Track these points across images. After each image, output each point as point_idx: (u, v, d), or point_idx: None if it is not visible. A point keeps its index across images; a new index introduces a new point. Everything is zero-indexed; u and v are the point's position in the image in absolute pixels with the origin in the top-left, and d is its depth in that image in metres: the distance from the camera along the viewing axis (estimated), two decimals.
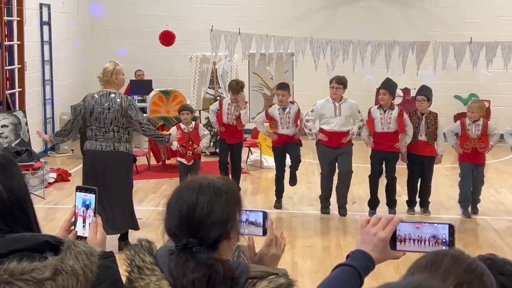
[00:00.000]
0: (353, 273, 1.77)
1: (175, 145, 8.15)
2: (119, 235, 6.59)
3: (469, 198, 8.02)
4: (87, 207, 2.01)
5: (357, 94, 11.30)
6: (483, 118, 7.93)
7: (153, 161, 10.69)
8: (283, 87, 8.32)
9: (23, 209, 1.75)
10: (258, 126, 8.51)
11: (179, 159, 8.37)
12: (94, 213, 2.00)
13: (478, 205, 8.20)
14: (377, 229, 1.81)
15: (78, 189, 2.04)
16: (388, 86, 7.84)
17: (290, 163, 8.47)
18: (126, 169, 6.41)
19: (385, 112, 7.81)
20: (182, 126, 8.26)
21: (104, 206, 6.11)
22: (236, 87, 8.52)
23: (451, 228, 1.75)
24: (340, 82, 7.83)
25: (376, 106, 7.95)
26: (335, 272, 1.79)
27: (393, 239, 1.80)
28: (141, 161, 10.65)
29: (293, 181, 8.59)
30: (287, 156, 8.49)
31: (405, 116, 7.87)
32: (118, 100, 6.29)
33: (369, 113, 7.95)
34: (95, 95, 6.39)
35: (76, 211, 2.03)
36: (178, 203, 1.89)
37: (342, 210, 8.05)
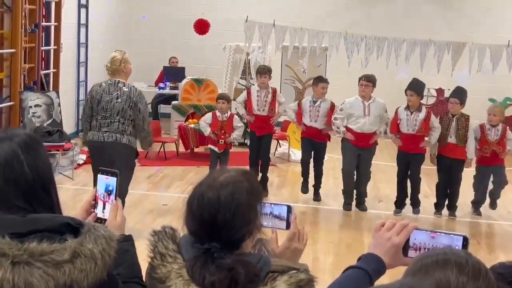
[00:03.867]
0: (364, 276, 1.74)
1: (207, 131, 8.17)
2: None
3: (484, 199, 8.01)
4: (109, 193, 2.02)
5: (389, 92, 11.14)
6: (502, 123, 7.80)
7: (181, 148, 10.72)
8: (326, 80, 8.29)
9: (46, 189, 1.75)
10: (289, 112, 8.43)
11: (210, 146, 8.38)
12: (115, 196, 2.01)
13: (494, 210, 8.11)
14: (391, 234, 1.78)
15: (100, 171, 2.05)
16: (415, 87, 7.70)
17: (314, 164, 8.41)
18: (125, 165, 6.09)
19: (412, 113, 7.70)
20: (218, 113, 8.27)
21: None
22: (263, 69, 8.46)
23: (465, 240, 1.70)
24: (369, 80, 7.74)
25: (404, 106, 7.83)
26: (346, 274, 1.77)
27: (406, 246, 1.76)
28: (170, 147, 10.70)
29: (317, 194, 8.52)
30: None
31: (433, 118, 7.76)
32: (126, 90, 6.15)
33: (396, 113, 7.85)
34: (103, 83, 6.26)
35: (97, 194, 2.03)
36: (199, 206, 1.86)
37: (361, 206, 8.06)
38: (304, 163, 8.45)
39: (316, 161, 8.41)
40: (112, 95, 6.13)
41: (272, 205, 2.12)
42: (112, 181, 2.02)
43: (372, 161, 8.14)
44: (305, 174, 8.49)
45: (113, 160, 5.92)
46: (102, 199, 2.02)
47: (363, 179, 8.03)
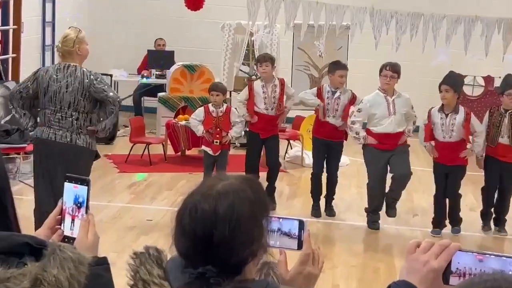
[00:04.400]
0: None
1: (200, 131, 8.19)
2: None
3: None
4: (78, 205, 2.02)
5: (424, 81, 11.16)
6: None
7: (170, 151, 10.76)
8: (344, 66, 8.29)
9: (0, 202, 1.74)
10: (306, 96, 8.37)
11: (204, 148, 8.40)
12: (86, 209, 2.01)
13: None
14: (428, 257, 1.76)
15: (68, 179, 2.05)
16: (452, 81, 7.64)
17: (327, 169, 8.40)
18: (77, 171, 5.84)
19: (447, 116, 7.65)
20: (211, 108, 8.30)
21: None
22: (263, 57, 8.46)
23: None
24: (395, 70, 7.73)
25: (438, 107, 7.78)
26: None
27: (447, 272, 1.74)
28: (156, 149, 10.72)
29: (329, 205, 8.50)
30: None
31: (474, 120, 7.74)
32: (79, 75, 6.04)
33: (429, 115, 7.81)
34: (50, 68, 6.16)
35: (64, 207, 2.04)
36: (191, 220, 1.86)
37: (391, 211, 8.00)
38: (317, 177, 8.40)
39: (328, 165, 8.40)
40: (60, 83, 6.01)
41: (281, 220, 2.12)
42: (82, 190, 2.02)
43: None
44: (317, 191, 8.43)
45: (67, 167, 5.78)
46: (71, 213, 2.02)
47: (399, 183, 7.91)
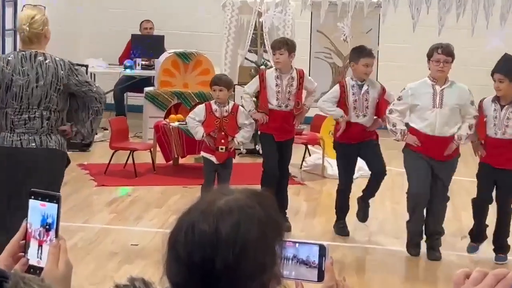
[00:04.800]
0: None
1: (199, 134, 8.18)
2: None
3: None
4: (47, 228, 2.02)
5: (475, 70, 11.13)
6: None
7: (160, 159, 10.77)
8: (369, 53, 8.27)
9: None
10: (326, 107, 8.42)
11: (204, 154, 8.40)
12: (56, 232, 2.01)
13: None
14: None
15: (33, 194, 2.05)
16: (507, 68, 7.61)
17: (371, 170, 8.40)
18: (54, 180, 6.01)
19: (502, 108, 7.63)
20: (214, 106, 8.31)
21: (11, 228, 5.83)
22: (278, 42, 8.46)
23: None
24: (449, 53, 7.69)
25: (491, 97, 7.78)
26: None
27: None
28: (143, 157, 10.74)
29: (364, 212, 8.52)
30: (359, 162, 8.49)
31: None
32: (52, 65, 6.04)
33: (480, 106, 7.80)
34: (11, 58, 6.10)
35: (30, 229, 2.03)
36: (187, 244, 1.87)
37: (433, 253, 7.94)
38: (344, 194, 8.42)
39: (374, 168, 8.45)
40: (28, 77, 6.01)
41: (298, 244, 2.13)
42: (51, 209, 2.02)
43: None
44: (343, 207, 8.46)
45: (36, 176, 5.82)
46: (37, 237, 2.02)
47: (438, 208, 7.96)
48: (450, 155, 7.82)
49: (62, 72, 6.03)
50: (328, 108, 8.40)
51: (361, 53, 8.29)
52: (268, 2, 10.13)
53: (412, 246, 8.04)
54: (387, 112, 7.93)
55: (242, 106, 8.59)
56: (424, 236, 8.04)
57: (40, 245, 2.01)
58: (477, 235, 8.04)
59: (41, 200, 2.03)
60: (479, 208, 7.97)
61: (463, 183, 9.75)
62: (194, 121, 8.33)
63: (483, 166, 7.86)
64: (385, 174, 8.43)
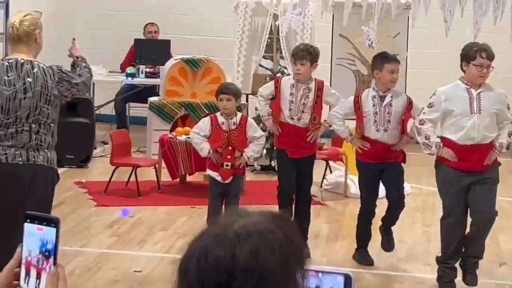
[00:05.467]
0: None
1: (205, 150, 8.16)
2: None
3: None
4: (46, 255, 2.04)
5: (508, 78, 11.12)
6: None
7: (165, 177, 10.77)
8: (394, 58, 8.24)
9: None
10: (335, 120, 8.38)
11: (209, 172, 8.40)
12: (55, 259, 2.02)
13: None
14: None
15: (29, 218, 2.07)
16: None
17: (388, 200, 8.35)
18: (42, 198, 6.08)
19: None
20: (220, 119, 8.29)
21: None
22: (301, 50, 8.40)
23: None
24: (493, 58, 7.62)
25: None
26: None
27: None
28: (147, 175, 10.75)
29: (388, 242, 8.47)
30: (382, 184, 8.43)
31: None
32: (40, 74, 6.06)
33: None
34: None
35: (29, 257, 2.05)
36: (200, 271, 1.87)
37: (470, 276, 7.81)
38: (367, 216, 8.37)
39: (391, 195, 8.36)
40: (15, 87, 6.02)
41: (321, 274, 2.11)
42: (49, 234, 2.04)
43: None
44: (365, 234, 8.41)
45: (21, 192, 5.89)
46: (35, 265, 2.03)
47: (481, 228, 7.82)
48: (490, 164, 7.70)
49: (50, 81, 6.05)
50: (336, 121, 8.34)
51: (385, 58, 8.25)
52: (285, 3, 10.09)
53: (445, 278, 7.82)
54: (416, 122, 7.77)
55: (257, 116, 8.56)
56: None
57: (38, 273, 2.04)
58: None
59: (38, 223, 2.06)
60: None
61: (501, 204, 9.69)
62: (199, 136, 8.29)
63: None
64: (402, 207, 8.35)
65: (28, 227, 2.06)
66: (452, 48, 9.90)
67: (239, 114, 8.42)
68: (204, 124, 8.36)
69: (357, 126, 8.28)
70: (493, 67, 7.69)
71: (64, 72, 6.18)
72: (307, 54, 8.28)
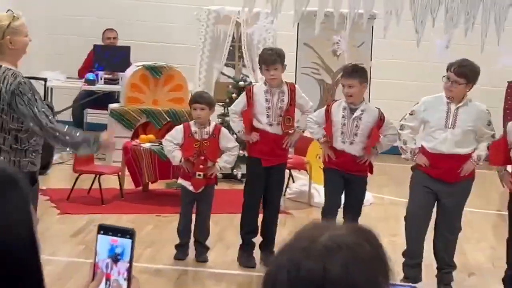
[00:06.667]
0: None
1: (177, 158, 8.12)
2: None
3: None
4: (115, 259, 2.09)
5: (482, 90, 11.18)
6: None
7: (128, 184, 10.72)
8: (349, 73, 8.15)
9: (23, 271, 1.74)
10: (309, 124, 8.38)
11: (181, 182, 8.37)
12: (129, 269, 2.09)
13: None
14: None
15: (103, 229, 2.13)
16: None
17: (344, 212, 8.35)
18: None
19: None
20: (193, 128, 8.26)
21: None
22: (272, 57, 8.32)
23: None
24: (461, 74, 7.67)
25: None
26: None
27: None
28: (109, 183, 10.66)
29: None
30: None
31: None
32: (10, 81, 6.03)
33: (504, 130, 7.84)
34: None
35: (100, 269, 2.11)
36: (292, 283, 1.87)
37: (446, 277, 7.97)
38: (328, 214, 8.27)
39: (349, 208, 8.35)
40: None
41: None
42: (123, 245, 2.09)
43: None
44: None
45: None
46: (105, 269, 2.11)
47: (447, 239, 7.95)
48: (464, 176, 7.81)
49: (6, 87, 6.00)
50: (310, 125, 8.36)
51: (342, 71, 8.36)
52: (256, 12, 10.08)
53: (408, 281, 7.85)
54: (398, 128, 7.97)
55: (224, 126, 8.53)
56: (436, 271, 8.04)
57: (107, 279, 2.12)
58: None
59: (111, 235, 2.10)
60: None
61: (465, 213, 9.76)
62: (171, 144, 8.26)
63: None
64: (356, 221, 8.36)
65: (101, 240, 2.10)
66: (421, 59, 10.03)
67: (213, 124, 8.41)
68: (176, 132, 8.33)
69: (327, 135, 8.28)
70: (470, 86, 7.76)
71: (22, 93, 6.03)
72: (278, 58, 8.27)
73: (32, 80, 6.52)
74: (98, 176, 10.33)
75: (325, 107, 8.48)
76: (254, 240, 8.45)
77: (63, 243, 8.84)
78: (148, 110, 11.60)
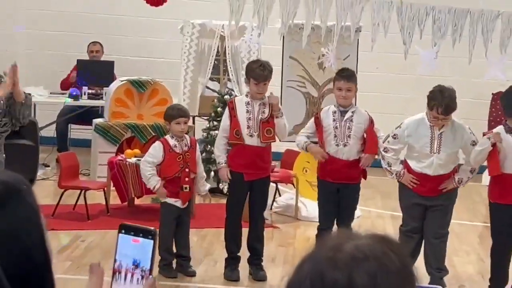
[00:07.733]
0: None
1: (152, 184, 8.19)
2: None
3: None
4: (136, 264, 2.13)
5: (467, 102, 11.21)
6: None
7: (113, 200, 10.67)
8: (345, 76, 8.19)
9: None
10: (303, 146, 8.38)
11: (168, 200, 8.29)
12: (150, 269, 2.12)
13: None
14: None
15: (124, 228, 2.15)
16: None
17: (337, 219, 8.37)
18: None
19: None
20: (172, 141, 8.23)
21: None
22: (264, 72, 8.26)
23: None
24: (450, 112, 7.67)
25: (505, 127, 7.82)
26: None
27: None
28: (93, 198, 10.60)
29: None
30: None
31: None
32: None
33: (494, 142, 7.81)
34: None
35: (118, 269, 2.13)
36: None
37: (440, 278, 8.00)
38: (324, 233, 8.23)
39: (342, 214, 8.37)
40: None
41: None
42: (145, 246, 2.12)
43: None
44: None
45: None
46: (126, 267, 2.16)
47: (434, 249, 8.01)
48: (447, 190, 7.93)
49: None
50: (300, 139, 8.37)
51: (337, 74, 8.35)
52: (242, 25, 10.07)
53: None
54: (381, 149, 8.03)
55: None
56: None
57: (125, 276, 2.18)
58: (497, 281, 8.02)
59: (133, 235, 2.14)
60: (498, 255, 7.97)
61: (452, 226, 9.76)
62: (150, 168, 8.21)
63: (498, 208, 7.84)
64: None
65: (122, 239, 2.14)
66: (406, 71, 10.03)
67: (187, 136, 8.42)
68: (156, 151, 8.25)
69: (319, 143, 8.28)
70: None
71: None
72: (270, 74, 8.25)
73: None
74: (83, 191, 10.27)
75: (313, 118, 8.51)
76: (239, 254, 8.40)
77: None
78: (133, 124, 11.53)
